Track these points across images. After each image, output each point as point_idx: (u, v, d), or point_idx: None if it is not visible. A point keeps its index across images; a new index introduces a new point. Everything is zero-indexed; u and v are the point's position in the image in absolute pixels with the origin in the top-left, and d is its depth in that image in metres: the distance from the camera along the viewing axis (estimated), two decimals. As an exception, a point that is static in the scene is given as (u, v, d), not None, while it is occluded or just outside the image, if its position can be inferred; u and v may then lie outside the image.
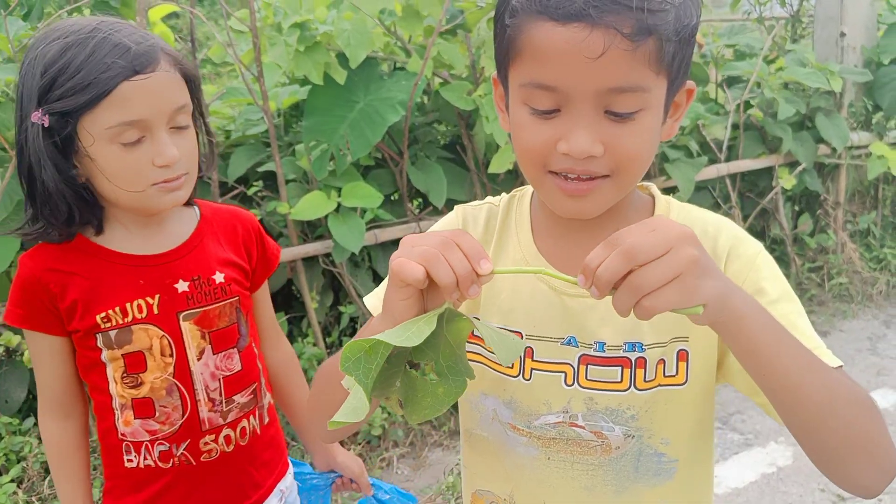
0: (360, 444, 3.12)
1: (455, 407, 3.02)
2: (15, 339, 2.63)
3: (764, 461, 3.04)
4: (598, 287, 0.75)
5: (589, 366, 0.98)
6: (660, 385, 0.97)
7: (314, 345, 3.19)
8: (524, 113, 0.88)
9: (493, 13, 3.15)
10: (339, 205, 2.96)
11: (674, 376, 0.97)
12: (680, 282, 0.72)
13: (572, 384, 0.99)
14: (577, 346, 0.98)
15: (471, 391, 1.07)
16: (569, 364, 0.99)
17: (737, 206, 4.10)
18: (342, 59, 2.93)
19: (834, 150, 4.26)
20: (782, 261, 4.44)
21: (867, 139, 4.37)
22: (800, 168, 4.15)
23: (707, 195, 4.12)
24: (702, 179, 3.91)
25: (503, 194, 1.11)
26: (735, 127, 4.11)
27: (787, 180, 4.12)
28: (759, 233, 4.42)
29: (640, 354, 0.96)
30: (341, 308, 3.29)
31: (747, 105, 4.15)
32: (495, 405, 1.04)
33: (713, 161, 4.01)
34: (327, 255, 3.15)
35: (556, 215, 0.96)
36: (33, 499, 2.65)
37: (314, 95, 2.98)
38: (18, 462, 2.72)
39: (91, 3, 3.25)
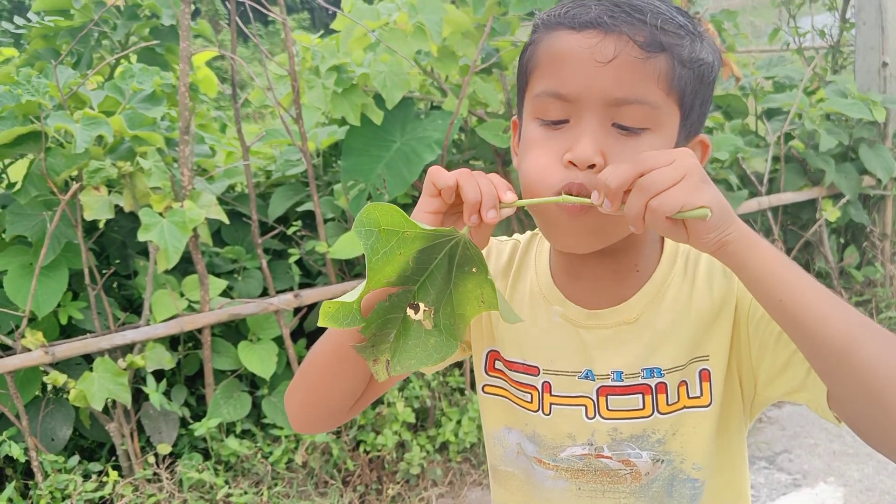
0: (398, 482, 3.11)
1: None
2: (61, 378, 2.68)
3: (813, 502, 2.95)
4: (609, 197, 0.76)
5: (609, 396, 0.97)
6: (685, 407, 0.96)
7: (353, 383, 3.19)
8: (534, 128, 0.88)
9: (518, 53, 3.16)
10: (376, 243, 2.98)
11: (698, 397, 0.96)
12: (685, 182, 0.74)
13: (594, 417, 0.98)
14: (594, 380, 0.97)
15: (494, 426, 1.07)
16: (588, 397, 0.98)
17: (780, 240, 4.03)
18: (379, 99, 2.97)
19: (879, 181, 4.18)
20: (828, 294, 4.33)
21: (914, 169, 4.27)
22: (844, 200, 4.07)
23: (748, 228, 4.05)
24: (743, 213, 3.85)
25: (527, 232, 1.11)
26: (776, 159, 4.06)
27: (830, 212, 4.04)
28: (803, 266, 4.33)
29: (660, 379, 0.96)
30: (379, 346, 3.29)
31: (788, 137, 4.10)
32: (519, 439, 1.04)
33: (754, 194, 3.96)
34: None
35: (571, 259, 0.96)
36: (77, 537, 2.69)
37: (351, 136, 3.03)
38: (63, 500, 2.76)
39: (137, 50, 3.37)
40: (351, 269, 3.21)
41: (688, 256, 0.99)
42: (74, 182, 2.73)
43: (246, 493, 2.88)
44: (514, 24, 3.51)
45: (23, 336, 2.67)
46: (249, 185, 2.92)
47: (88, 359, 2.96)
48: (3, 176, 3.11)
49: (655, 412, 0.96)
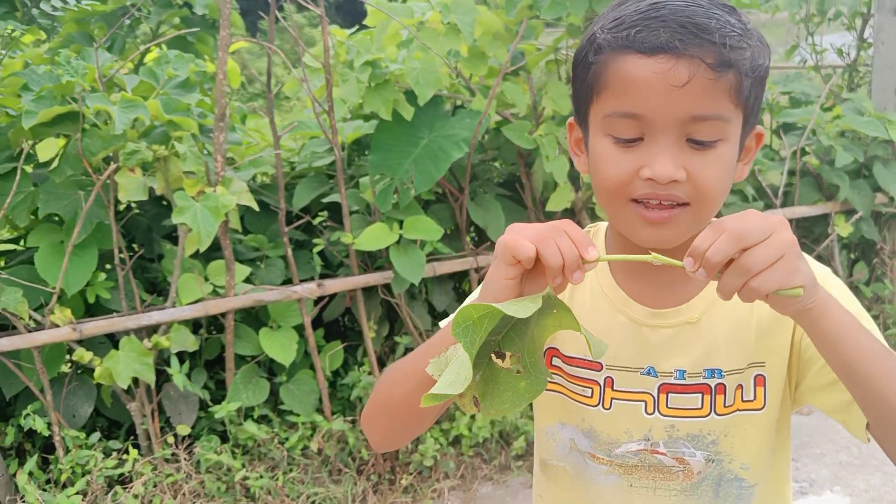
0: (411, 473, 3.15)
1: (505, 440, 3.03)
2: (87, 356, 2.72)
3: (820, 510, 3.00)
4: (706, 269, 0.78)
5: (669, 394, 1.00)
6: (738, 410, 0.99)
7: (369, 373, 3.24)
8: (607, 144, 0.92)
9: (551, 56, 3.24)
10: (400, 237, 3.03)
11: (752, 401, 0.99)
12: (783, 262, 0.75)
13: (653, 413, 1.01)
14: (657, 377, 1.01)
15: (548, 421, 1.10)
16: (648, 393, 1.01)
17: (792, 252, 4.07)
18: (409, 96, 3.03)
19: (892, 199, 4.23)
20: (837, 309, 4.39)
21: (925, 189, 4.32)
22: (856, 216, 4.12)
23: (761, 240, 4.10)
24: (757, 224, 3.90)
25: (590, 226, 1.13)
26: (791, 173, 4.11)
27: (843, 228, 4.09)
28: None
29: (720, 380, 0.98)
30: (397, 338, 3.34)
31: (803, 152, 4.15)
32: (573, 435, 1.07)
33: (769, 206, 4.01)
34: (385, 285, 3.21)
35: (633, 250, 0.96)
36: (97, 512, 2.73)
37: (380, 131, 3.08)
38: (83, 476, 2.80)
39: (169, 39, 3.42)
40: (373, 262, 3.26)
41: None
42: (106, 164, 2.77)
43: (262, 476, 2.92)
44: (538, 28, 3.57)
45: (52, 312, 2.71)
46: (279, 174, 2.97)
47: (112, 338, 3.00)
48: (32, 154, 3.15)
49: (713, 412, 0.99)
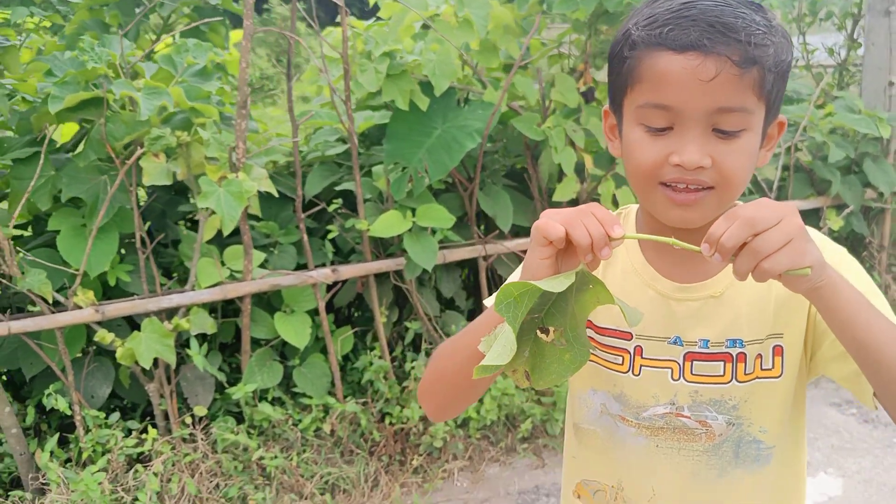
0: (422, 455, 3.24)
1: (512, 423, 3.13)
2: (109, 337, 2.78)
3: (815, 491, 3.12)
4: (721, 253, 0.85)
5: (694, 362, 1.09)
6: (757, 378, 1.07)
7: (380, 357, 3.32)
8: (639, 132, 1.00)
9: (554, 51, 3.34)
10: (413, 224, 3.12)
11: (770, 370, 1.07)
12: (792, 246, 0.83)
13: (678, 379, 1.09)
14: (683, 345, 1.09)
15: (581, 387, 1.19)
16: (675, 361, 1.09)
17: (785, 245, 4.21)
18: (423, 87, 3.11)
19: (881, 194, 4.38)
20: (826, 300, 4.53)
21: (912, 185, 4.48)
22: (847, 210, 4.26)
23: (756, 233, 4.24)
24: (752, 217, 4.03)
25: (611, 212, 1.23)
26: (785, 169, 4.24)
27: (834, 222, 4.23)
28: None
29: (741, 350, 1.07)
30: (407, 324, 3.42)
31: (796, 148, 4.28)
32: (605, 399, 1.15)
33: (763, 200, 4.14)
34: (397, 272, 3.29)
35: (660, 231, 1.04)
36: (118, 489, 2.79)
37: (395, 121, 3.16)
38: (103, 455, 2.86)
39: (182, 30, 3.47)
40: (385, 249, 3.33)
41: None
42: (126, 149, 2.83)
43: (276, 457, 3.00)
44: (542, 23, 3.66)
45: (75, 294, 2.77)
46: (296, 161, 3.04)
47: (130, 321, 3.06)
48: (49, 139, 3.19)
49: (734, 379, 1.07)
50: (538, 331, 0.92)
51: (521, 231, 3.50)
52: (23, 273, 2.70)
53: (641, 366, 1.11)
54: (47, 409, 3.12)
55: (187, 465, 2.92)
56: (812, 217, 4.36)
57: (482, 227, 3.55)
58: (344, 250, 3.52)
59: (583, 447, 1.21)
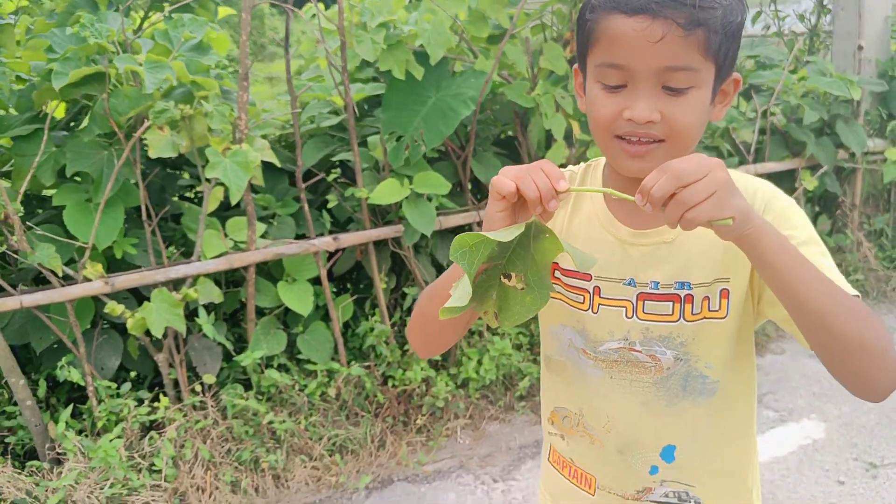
0: (425, 415, 3.35)
1: (510, 382, 3.26)
2: (119, 308, 2.84)
3: (800, 434, 3.29)
4: (651, 203, 0.92)
5: (645, 301, 1.17)
6: (705, 318, 1.15)
7: (381, 322, 3.42)
8: (598, 89, 1.08)
9: (537, 21, 3.43)
10: (411, 191, 3.20)
11: (717, 311, 1.15)
12: (716, 198, 0.89)
13: (632, 317, 1.18)
14: (636, 286, 1.17)
15: (552, 322, 1.29)
16: (628, 300, 1.18)
17: (763, 206, 4.37)
18: (417, 56, 3.18)
19: (852, 154, 4.55)
20: (802, 259, 4.71)
21: (882, 146, 4.66)
22: (822, 170, 4.43)
23: (735, 195, 4.39)
24: (732, 179, 4.18)
25: (581, 163, 1.31)
26: (762, 132, 4.39)
27: (809, 182, 4.39)
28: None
29: (688, 292, 1.15)
30: (405, 290, 3.52)
31: (771, 112, 4.43)
32: (570, 334, 1.25)
33: (742, 163, 4.28)
34: (395, 239, 3.38)
35: (624, 181, 1.13)
36: (135, 455, 2.86)
37: (390, 91, 3.23)
38: (117, 424, 2.93)
39: (171, 8, 3.50)
40: (384, 216, 3.42)
41: None
42: (128, 124, 2.87)
43: (285, 421, 3.09)
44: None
45: (84, 267, 2.82)
46: (296, 132, 3.10)
47: (136, 293, 3.12)
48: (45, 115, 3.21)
49: (682, 318, 1.16)
50: (502, 276, 1.00)
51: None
52: (32, 248, 2.74)
53: (599, 304, 1.20)
54: (57, 382, 3.18)
55: (199, 431, 3.00)
56: (787, 178, 4.53)
57: (475, 194, 3.64)
58: (341, 220, 3.60)
59: (553, 377, 1.33)
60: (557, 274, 1.25)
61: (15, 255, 2.82)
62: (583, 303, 1.22)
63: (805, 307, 0.96)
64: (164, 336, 3.00)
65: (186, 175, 3.56)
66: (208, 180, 2.94)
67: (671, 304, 1.16)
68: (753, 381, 1.26)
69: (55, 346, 3.05)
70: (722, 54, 1.05)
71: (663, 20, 1.00)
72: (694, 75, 1.03)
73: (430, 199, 3.30)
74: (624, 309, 1.18)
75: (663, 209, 0.92)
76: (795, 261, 0.96)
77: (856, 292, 1.02)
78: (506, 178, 1.00)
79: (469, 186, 3.56)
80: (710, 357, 1.18)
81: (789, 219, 1.11)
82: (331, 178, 3.35)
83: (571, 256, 0.99)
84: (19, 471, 2.81)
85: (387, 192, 3.15)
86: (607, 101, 1.07)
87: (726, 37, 1.04)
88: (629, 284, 1.18)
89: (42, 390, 2.97)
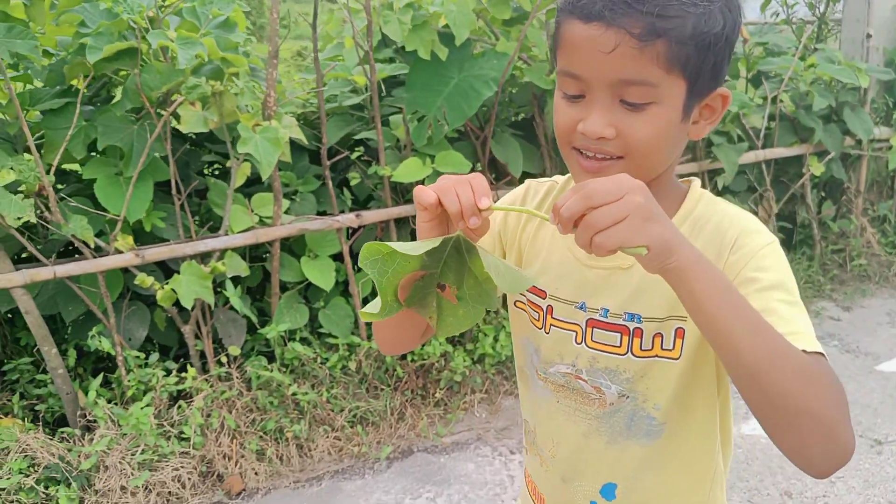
0: (442, 389, 3.43)
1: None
2: (149, 280, 2.90)
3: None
4: (561, 223, 0.84)
5: (594, 329, 1.11)
6: (656, 356, 1.08)
7: (400, 299, 3.49)
8: (559, 97, 1.02)
9: (556, 4, 3.49)
10: (433, 170, 3.27)
11: (670, 350, 1.07)
12: (627, 223, 0.80)
13: (581, 343, 1.12)
14: (586, 311, 1.11)
15: (521, 334, 1.23)
16: (578, 325, 1.12)
17: (771, 190, 4.45)
18: (441, 37, 3.24)
19: (858, 142, 4.63)
20: (807, 243, 4.81)
21: (887, 133, 4.75)
22: (829, 157, 4.51)
23: (743, 179, 4.47)
24: (742, 164, 4.26)
25: (568, 174, 1.22)
26: (771, 118, 4.46)
27: (816, 168, 4.47)
28: (788, 216, 4.78)
29: (638, 325, 1.07)
30: (423, 267, 3.59)
31: (780, 98, 4.51)
32: (530, 351, 1.21)
33: (752, 148, 4.36)
34: (413, 217, 3.45)
35: None
36: (164, 423, 2.94)
37: (414, 71, 3.29)
38: (146, 393, 3.00)
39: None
40: (404, 195, 3.48)
41: (696, 222, 1.07)
42: (157, 99, 2.92)
43: (307, 393, 3.17)
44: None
45: (115, 239, 2.88)
46: (321, 110, 3.16)
47: (162, 266, 3.18)
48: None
49: (630, 353, 1.09)
50: (437, 287, 0.97)
51: (529, 177, 3.67)
52: (65, 220, 2.80)
53: (551, 325, 1.15)
54: (83, 352, 3.24)
55: (224, 401, 3.08)
56: (795, 163, 4.61)
57: (493, 175, 3.71)
58: (360, 198, 3.66)
59: (522, 387, 1.28)
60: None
61: (47, 227, 2.88)
62: (538, 320, 1.17)
63: (737, 359, 0.84)
64: (192, 308, 3.07)
65: (211, 151, 3.61)
66: (236, 156, 3.00)
67: (619, 335, 1.09)
68: (713, 423, 1.16)
69: (83, 316, 3.11)
70: (692, 68, 0.95)
71: (616, 29, 0.92)
72: (651, 91, 0.94)
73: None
74: (574, 333, 1.13)
75: (574, 230, 0.84)
76: (730, 304, 0.85)
77: (819, 349, 0.89)
78: (427, 189, 0.95)
79: (486, 167, 3.62)
80: (659, 398, 1.10)
81: (760, 259, 1.00)
82: (355, 155, 3.40)
83: (495, 276, 0.90)
84: (51, 437, 2.88)
85: (410, 171, 3.22)
86: (565, 111, 1.01)
87: (699, 49, 0.94)
88: (580, 308, 1.12)
89: (72, 360, 3.04)
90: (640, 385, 1.09)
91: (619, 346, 1.09)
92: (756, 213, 4.48)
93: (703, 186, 4.07)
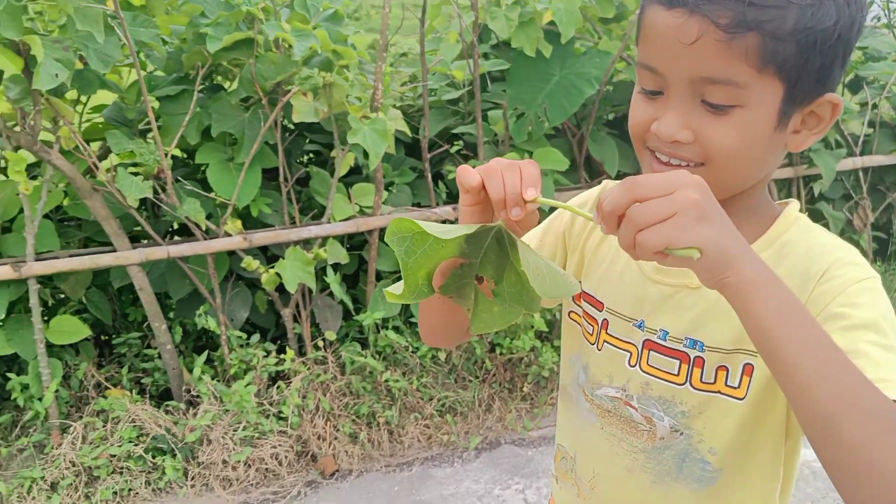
0: (530, 383, 3.46)
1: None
2: (254, 264, 3.00)
3: None
4: (603, 220, 0.74)
5: (651, 352, 1.00)
6: (719, 392, 0.95)
7: (490, 293, 3.53)
8: (636, 91, 0.92)
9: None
10: (531, 166, 3.29)
11: (735, 388, 0.94)
12: (675, 220, 0.70)
13: (635, 365, 1.01)
14: (644, 331, 1.00)
15: (570, 350, 1.13)
16: (634, 345, 1.01)
17: (867, 198, 4.35)
18: (545, 34, 3.26)
19: (961, 151, 4.48)
20: (903, 255, 4.68)
21: None
22: (930, 166, 4.38)
23: (839, 186, 4.37)
24: (839, 170, 4.17)
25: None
26: (870, 124, 4.35)
27: (916, 177, 4.35)
28: (884, 226, 4.66)
29: (699, 353, 0.95)
30: (514, 262, 3.62)
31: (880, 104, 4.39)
32: (579, 369, 1.10)
33: (850, 154, 4.26)
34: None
35: None
36: (264, 402, 3.04)
37: (516, 67, 3.32)
38: (246, 372, 3.11)
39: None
40: (500, 189, 3.52)
41: (784, 247, 0.94)
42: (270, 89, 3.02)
43: (398, 380, 3.23)
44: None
45: (225, 223, 2.98)
46: (425, 104, 3.22)
47: (263, 251, 3.28)
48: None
49: (688, 383, 0.97)
50: (475, 278, 0.88)
51: (624, 176, 3.67)
52: (180, 202, 2.92)
53: (605, 341, 1.05)
54: (186, 330, 3.38)
55: (319, 384, 3.16)
56: (893, 172, 4.49)
57: (588, 173, 3.72)
58: (454, 192, 3.71)
59: (563, 408, 1.18)
60: (581, 295, 1.09)
61: (158, 208, 3.00)
62: (592, 334, 1.07)
63: (805, 401, 0.70)
64: (294, 292, 3.16)
65: (310, 141, 3.71)
66: (341, 147, 3.08)
67: (678, 362, 0.97)
68: (776, 471, 1.00)
69: (189, 295, 3.24)
70: (791, 69, 0.82)
71: (700, 18, 0.80)
72: (739, 92, 0.83)
73: (545, 175, 3.39)
74: (628, 354, 1.02)
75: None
76: (801, 336, 0.71)
77: None
78: (471, 170, 0.85)
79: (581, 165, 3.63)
80: (717, 441, 0.97)
81: (853, 294, 0.85)
82: (454, 149, 3.45)
83: (532, 277, 0.81)
84: (158, 409, 3.01)
85: (508, 166, 3.25)
86: (641, 108, 0.91)
87: (802, 47, 0.80)
88: (638, 326, 1.01)
89: (178, 336, 3.17)
90: (696, 422, 0.97)
91: (677, 375, 0.97)
92: (851, 222, 4.38)
93: (798, 193, 3.97)
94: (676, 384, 0.97)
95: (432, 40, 4.03)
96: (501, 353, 3.48)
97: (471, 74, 3.63)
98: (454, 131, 3.51)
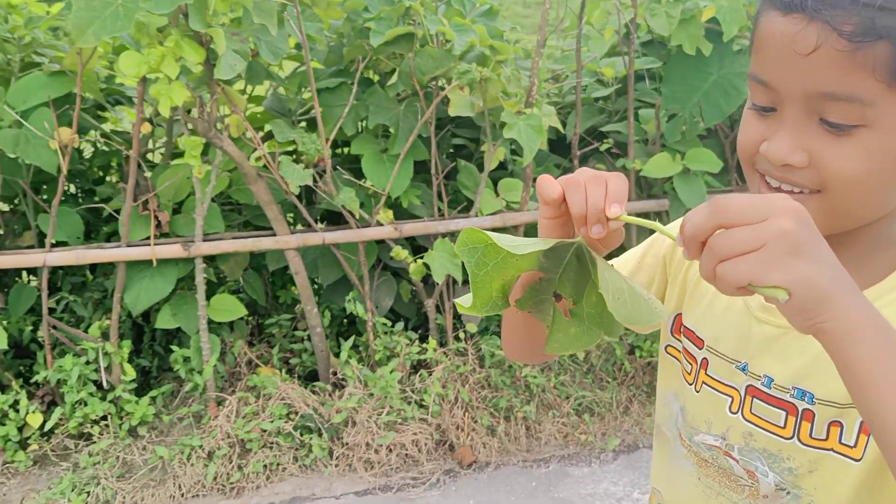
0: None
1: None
2: (403, 253, 3.07)
3: None
4: (685, 244, 0.66)
5: (755, 399, 0.89)
6: (832, 450, 0.84)
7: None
8: (747, 106, 0.83)
9: None
10: (683, 167, 3.22)
11: (850, 447, 0.82)
12: (762, 253, 0.61)
13: (737, 412, 0.91)
14: (747, 375, 0.90)
15: (667, 387, 1.04)
16: (737, 390, 0.91)
17: None
18: (705, 32, 3.18)
19: None
20: None
21: None
22: None
23: None
24: None
25: None
26: None
27: None
28: None
29: (809, 406, 0.84)
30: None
31: None
32: (676, 409, 1.01)
33: None
34: (656, 212, 3.43)
35: None
36: (406, 389, 3.11)
37: (672, 66, 3.26)
38: (390, 359, 3.19)
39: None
40: (650, 189, 3.46)
41: None
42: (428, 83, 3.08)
43: (537, 376, 3.23)
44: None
45: (378, 213, 3.07)
46: (578, 101, 3.20)
47: (409, 241, 3.35)
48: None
49: (796, 438, 0.86)
50: (553, 295, 0.83)
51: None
52: (337, 190, 3.02)
53: (703, 382, 0.95)
54: (333, 315, 3.49)
55: (459, 375, 3.21)
56: None
57: (740, 176, 3.61)
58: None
59: (658, 449, 1.09)
60: (682, 330, 1.00)
61: (319, 195, 3.11)
62: (690, 373, 0.97)
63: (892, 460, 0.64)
64: (439, 283, 3.21)
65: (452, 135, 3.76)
66: (493, 141, 3.10)
67: (784, 413, 0.86)
68: None
69: (335, 282, 3.35)
70: None
71: (820, 25, 0.70)
72: (862, 109, 0.72)
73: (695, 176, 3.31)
74: (730, 399, 0.91)
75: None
76: None
77: None
78: (553, 181, 0.78)
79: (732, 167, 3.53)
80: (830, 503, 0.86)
81: None
82: (604, 147, 3.42)
83: (611, 300, 0.74)
84: (305, 389, 3.13)
85: (660, 166, 3.19)
86: (751, 125, 0.81)
87: None
88: (741, 370, 0.90)
89: (326, 319, 3.28)
90: (805, 482, 0.86)
91: (784, 428, 0.86)
92: None
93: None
94: (783, 438, 0.86)
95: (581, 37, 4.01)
96: (641, 356, 3.43)
97: (624, 69, 3.59)
98: (602, 129, 3.48)
